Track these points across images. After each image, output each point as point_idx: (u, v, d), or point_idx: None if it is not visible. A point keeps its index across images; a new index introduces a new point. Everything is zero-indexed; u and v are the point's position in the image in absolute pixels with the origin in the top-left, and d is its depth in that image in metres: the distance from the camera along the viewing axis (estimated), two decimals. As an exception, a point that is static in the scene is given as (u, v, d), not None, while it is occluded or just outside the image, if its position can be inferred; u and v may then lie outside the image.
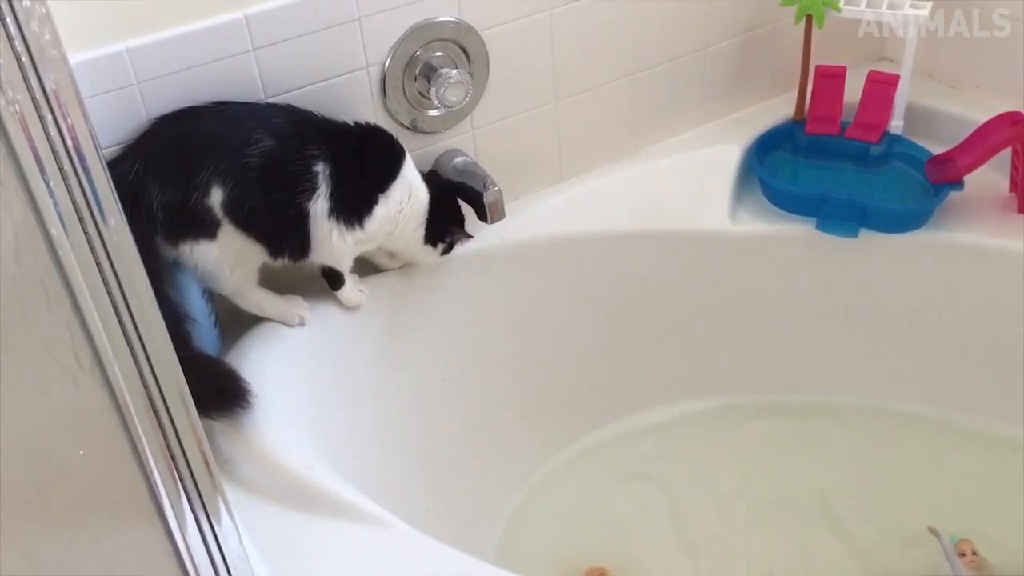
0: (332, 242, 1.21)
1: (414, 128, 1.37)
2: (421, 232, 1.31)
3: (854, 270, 1.52)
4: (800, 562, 1.44)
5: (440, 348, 1.44)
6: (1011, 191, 1.47)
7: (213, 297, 1.24)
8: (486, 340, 1.49)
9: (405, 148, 1.28)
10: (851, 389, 1.61)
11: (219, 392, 1.11)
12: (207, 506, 0.74)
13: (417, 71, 1.33)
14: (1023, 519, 1.44)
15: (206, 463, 0.72)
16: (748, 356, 1.62)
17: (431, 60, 1.32)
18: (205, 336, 1.22)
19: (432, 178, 1.34)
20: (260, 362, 1.21)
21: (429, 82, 1.32)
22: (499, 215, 1.37)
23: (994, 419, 1.54)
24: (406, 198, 1.26)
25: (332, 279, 1.29)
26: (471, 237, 1.37)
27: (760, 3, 1.54)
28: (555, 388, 1.57)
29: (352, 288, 1.31)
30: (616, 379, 1.60)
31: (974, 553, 1.35)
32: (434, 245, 1.34)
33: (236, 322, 1.27)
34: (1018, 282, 1.43)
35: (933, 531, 1.38)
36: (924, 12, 1.43)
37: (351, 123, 1.24)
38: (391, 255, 1.36)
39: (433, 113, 1.36)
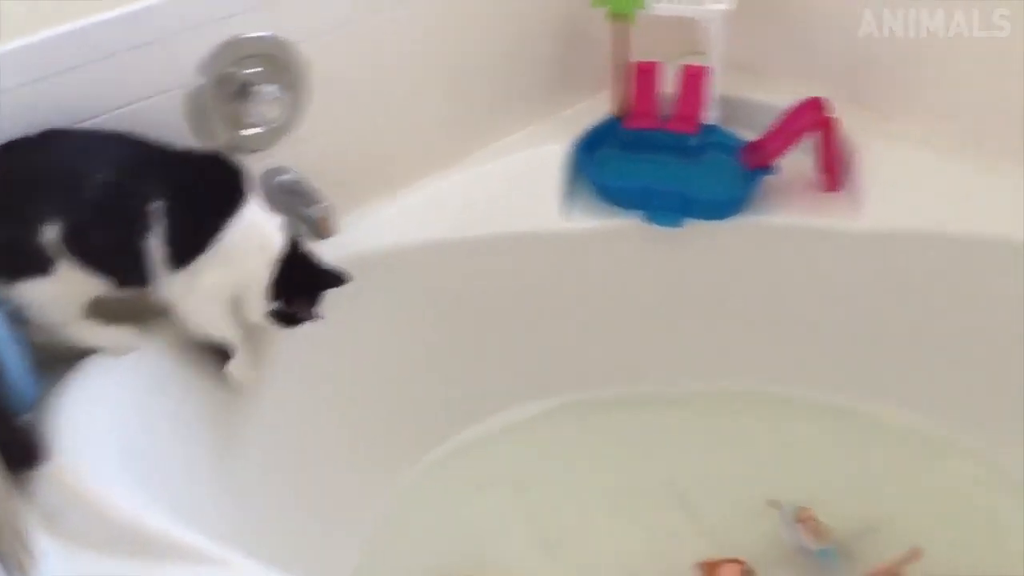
0: (172, 290, 1.16)
1: (234, 149, 1.32)
2: (265, 275, 1.21)
3: (683, 258, 1.56)
4: (653, 547, 1.47)
5: (281, 369, 1.40)
6: (820, 172, 1.55)
7: (28, 335, 1.17)
8: (329, 357, 1.46)
9: (250, 180, 1.21)
10: (692, 374, 1.66)
11: (11, 452, 1.04)
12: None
13: (232, 89, 1.28)
14: (858, 483, 1.52)
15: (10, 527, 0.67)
16: (589, 351, 1.64)
17: (246, 77, 1.28)
18: (20, 380, 1.14)
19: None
20: (86, 400, 1.15)
21: (245, 100, 1.28)
22: (330, 231, 1.34)
23: (826, 390, 1.61)
24: (248, 238, 1.18)
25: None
26: (316, 318, 1.28)
27: (571, 3, 1.57)
28: (403, 400, 1.56)
29: (241, 363, 1.25)
30: (463, 385, 1.60)
31: (812, 519, 1.42)
32: (275, 299, 1.23)
33: (59, 358, 1.20)
34: (830, 257, 1.51)
35: (773, 503, 1.44)
36: (726, 6, 1.49)
37: (196, 152, 1.19)
38: None
39: (252, 132, 1.32)
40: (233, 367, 1.25)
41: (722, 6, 1.49)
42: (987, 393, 1.51)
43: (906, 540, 1.36)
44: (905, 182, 1.49)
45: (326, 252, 1.36)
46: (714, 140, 1.60)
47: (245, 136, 1.32)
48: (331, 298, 1.40)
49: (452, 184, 1.55)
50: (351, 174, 1.47)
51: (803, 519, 1.42)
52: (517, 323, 1.60)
